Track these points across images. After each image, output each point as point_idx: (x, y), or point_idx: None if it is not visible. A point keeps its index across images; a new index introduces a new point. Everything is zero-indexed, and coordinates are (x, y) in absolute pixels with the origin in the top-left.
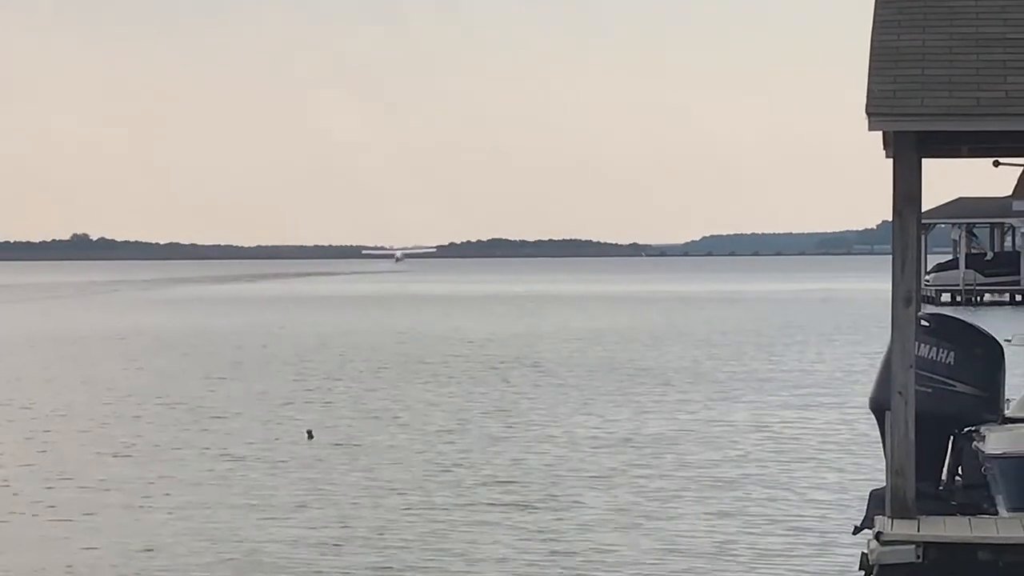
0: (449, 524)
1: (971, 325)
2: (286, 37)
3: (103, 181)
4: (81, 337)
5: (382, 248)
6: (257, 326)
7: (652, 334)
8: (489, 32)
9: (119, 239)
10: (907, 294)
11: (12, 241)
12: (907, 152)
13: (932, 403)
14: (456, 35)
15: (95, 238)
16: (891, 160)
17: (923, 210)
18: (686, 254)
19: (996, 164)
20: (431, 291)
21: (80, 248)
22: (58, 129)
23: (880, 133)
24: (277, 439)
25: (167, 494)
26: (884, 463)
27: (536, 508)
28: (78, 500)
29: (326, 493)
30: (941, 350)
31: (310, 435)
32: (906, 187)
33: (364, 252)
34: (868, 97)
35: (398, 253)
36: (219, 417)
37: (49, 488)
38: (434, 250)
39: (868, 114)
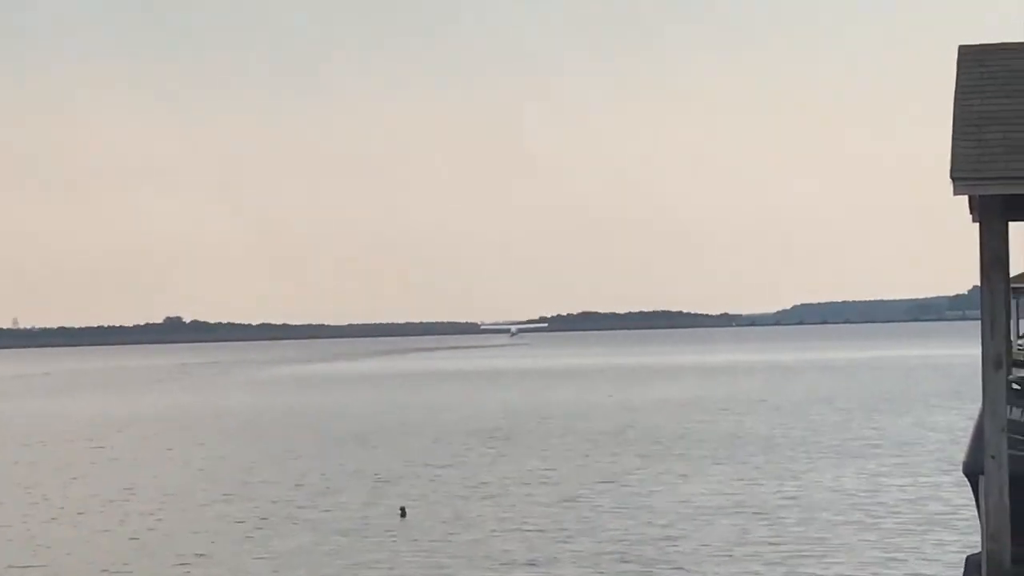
0: None
1: None
2: (376, 118)
3: (195, 264)
4: (183, 418)
5: (494, 324)
6: (368, 402)
7: (749, 403)
8: (578, 104)
9: (212, 321)
10: (997, 358)
11: (106, 325)
12: (992, 216)
13: None
14: (547, 110)
15: (188, 320)
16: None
17: (1014, 274)
18: (777, 323)
19: None
20: (540, 365)
21: (174, 331)
22: (149, 213)
23: (966, 197)
24: (368, 516)
25: (275, 572)
26: (979, 528)
27: None
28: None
29: (430, 567)
30: None
31: (403, 513)
32: (992, 251)
33: (483, 328)
34: (952, 161)
35: (513, 328)
36: (322, 493)
37: (164, 565)
38: (546, 325)
39: (952, 178)
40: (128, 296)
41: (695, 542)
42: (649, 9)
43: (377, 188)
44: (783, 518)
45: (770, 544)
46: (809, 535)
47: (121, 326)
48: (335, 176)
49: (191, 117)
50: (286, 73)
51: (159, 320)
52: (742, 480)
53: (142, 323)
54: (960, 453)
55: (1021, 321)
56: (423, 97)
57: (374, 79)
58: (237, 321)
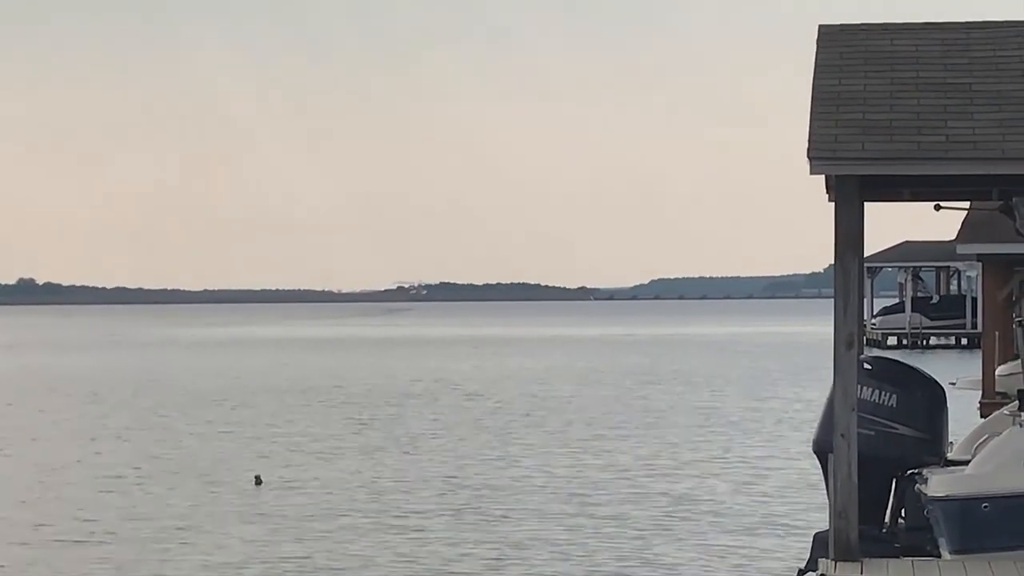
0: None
1: (913, 368)
2: (227, 77)
3: (48, 225)
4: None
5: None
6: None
7: (616, 375)
8: (432, 79)
9: (65, 283)
10: (849, 337)
11: None
12: (848, 196)
13: (875, 446)
14: (403, 84)
15: (41, 282)
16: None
17: (870, 254)
18: (634, 297)
19: (937, 208)
20: (386, 335)
21: (26, 292)
22: (1, 173)
23: (823, 177)
24: (219, 488)
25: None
26: (827, 505)
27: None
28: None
29: (288, 537)
30: (883, 393)
31: (258, 481)
32: (847, 230)
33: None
34: (809, 141)
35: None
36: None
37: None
38: (425, 292)
39: (809, 158)
40: None
41: (558, 506)
42: None
43: (230, 156)
44: (638, 489)
45: (618, 516)
46: (658, 511)
47: None
48: (191, 142)
49: (31, 73)
50: (139, 35)
51: (12, 281)
52: (601, 450)
53: None
54: (805, 430)
55: (874, 300)
56: (271, 65)
57: (235, 50)
58: (91, 284)
